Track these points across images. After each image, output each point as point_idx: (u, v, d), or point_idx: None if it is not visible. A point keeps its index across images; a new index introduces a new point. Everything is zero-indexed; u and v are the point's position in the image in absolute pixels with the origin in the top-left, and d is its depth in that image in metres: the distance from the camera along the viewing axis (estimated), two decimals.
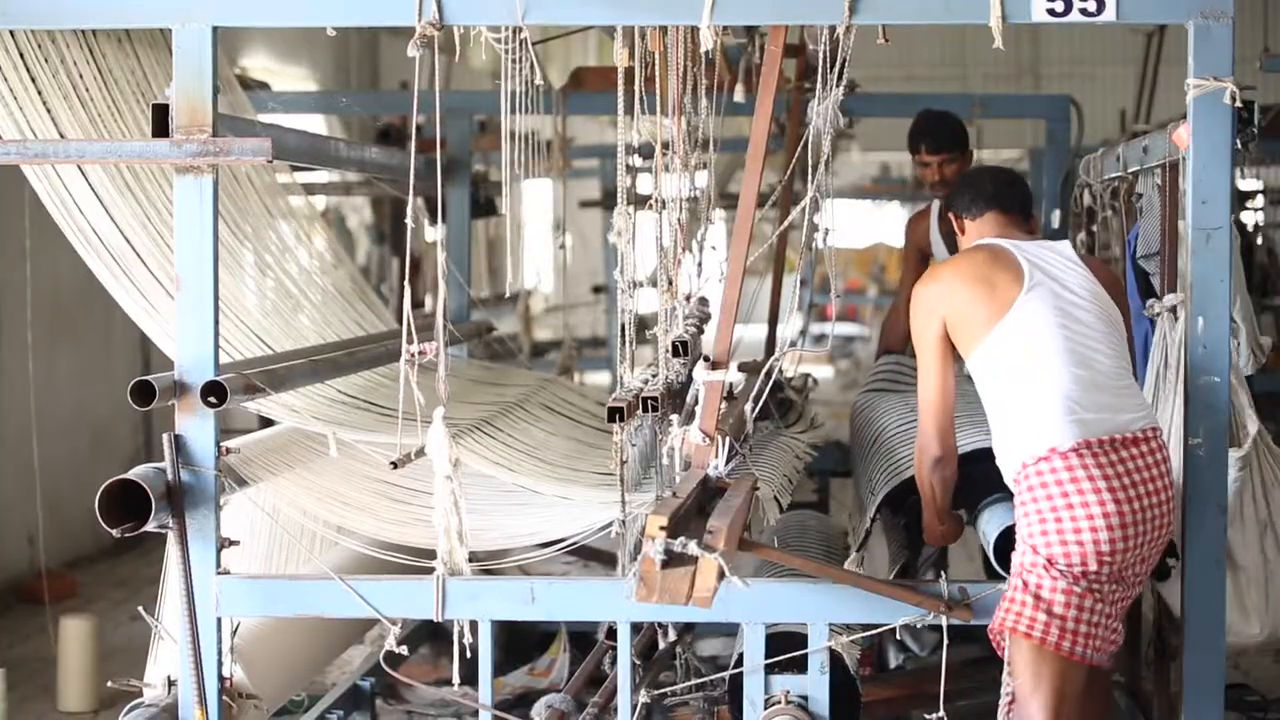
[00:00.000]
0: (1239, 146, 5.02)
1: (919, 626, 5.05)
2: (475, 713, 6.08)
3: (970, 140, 7.82)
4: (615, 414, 5.07)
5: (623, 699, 5.24)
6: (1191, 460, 5.01)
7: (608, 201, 13.25)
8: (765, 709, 5.13)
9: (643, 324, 5.84)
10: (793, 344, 7.64)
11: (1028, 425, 4.83)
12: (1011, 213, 5.24)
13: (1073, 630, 4.74)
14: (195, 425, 5.08)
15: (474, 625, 5.18)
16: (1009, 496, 5.02)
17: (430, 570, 5.12)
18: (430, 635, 7.66)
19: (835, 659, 5.20)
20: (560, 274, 16.03)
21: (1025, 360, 4.87)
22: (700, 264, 6.30)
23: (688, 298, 5.91)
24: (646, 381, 5.44)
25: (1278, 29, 14.09)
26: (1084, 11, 4.91)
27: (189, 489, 5.06)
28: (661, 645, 6.05)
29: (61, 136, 5.45)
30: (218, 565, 5.12)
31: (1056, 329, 4.87)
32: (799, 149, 5.28)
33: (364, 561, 5.79)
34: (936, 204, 7.81)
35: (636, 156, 5.71)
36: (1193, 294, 4.98)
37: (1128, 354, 5.04)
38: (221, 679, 5.13)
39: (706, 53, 5.31)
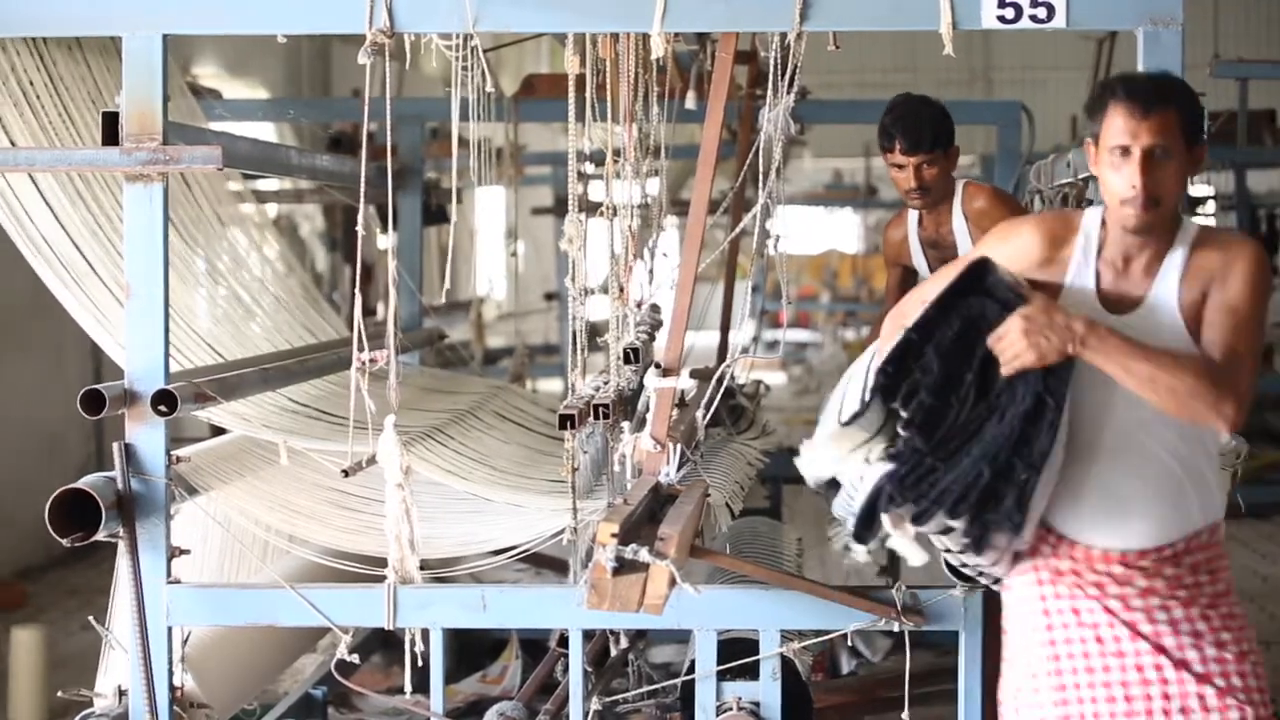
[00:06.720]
0: None
1: (871, 632, 5.05)
2: None
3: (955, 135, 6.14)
4: (567, 421, 5.07)
5: (575, 706, 5.23)
6: None
7: (560, 208, 13.21)
8: (717, 715, 5.13)
9: (594, 331, 5.85)
10: (745, 350, 7.61)
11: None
12: None
13: None
14: (146, 434, 5.06)
15: (425, 633, 5.17)
16: None
17: (382, 578, 5.11)
18: (382, 643, 7.64)
19: (787, 665, 5.20)
20: (512, 281, 15.99)
21: None
22: (652, 271, 6.30)
23: (639, 304, 5.91)
24: (598, 389, 5.44)
25: (1227, 34, 14.19)
26: (1034, 18, 4.92)
27: (139, 498, 5.04)
28: (613, 652, 6.04)
29: (12, 144, 5.42)
30: (168, 574, 5.11)
31: None
32: (751, 155, 5.29)
33: (315, 570, 5.78)
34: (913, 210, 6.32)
35: (588, 163, 5.70)
36: None
37: None
38: (172, 688, 5.12)
39: (658, 60, 5.30)
